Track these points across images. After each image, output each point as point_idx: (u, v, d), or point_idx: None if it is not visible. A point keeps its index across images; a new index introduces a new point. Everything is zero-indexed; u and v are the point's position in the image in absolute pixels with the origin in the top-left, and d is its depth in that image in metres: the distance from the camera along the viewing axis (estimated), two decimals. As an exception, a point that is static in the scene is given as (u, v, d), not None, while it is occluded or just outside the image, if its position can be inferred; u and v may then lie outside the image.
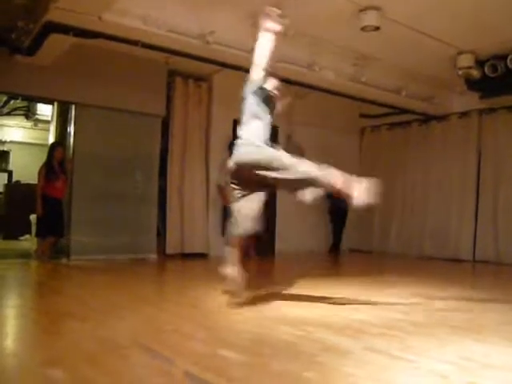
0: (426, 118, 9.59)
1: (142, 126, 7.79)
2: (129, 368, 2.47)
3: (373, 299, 4.59)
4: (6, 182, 11.96)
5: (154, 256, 7.80)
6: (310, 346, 2.90)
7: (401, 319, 3.74)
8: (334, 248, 9.83)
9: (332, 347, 2.89)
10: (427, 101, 8.85)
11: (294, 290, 4.98)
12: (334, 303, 4.36)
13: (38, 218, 7.07)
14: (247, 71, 6.94)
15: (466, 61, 7.35)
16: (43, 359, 2.58)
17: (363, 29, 6.05)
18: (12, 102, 10.84)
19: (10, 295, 4.77)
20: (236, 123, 8.59)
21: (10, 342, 3.10)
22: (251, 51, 6.35)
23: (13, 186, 11.48)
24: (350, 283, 5.73)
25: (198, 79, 8.35)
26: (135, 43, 6.01)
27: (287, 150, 9.32)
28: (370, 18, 5.92)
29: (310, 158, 9.56)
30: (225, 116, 8.60)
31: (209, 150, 8.49)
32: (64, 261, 7.03)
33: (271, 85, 4.32)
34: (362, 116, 10.53)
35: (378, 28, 6.01)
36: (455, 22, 6.27)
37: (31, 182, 8.55)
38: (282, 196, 9.31)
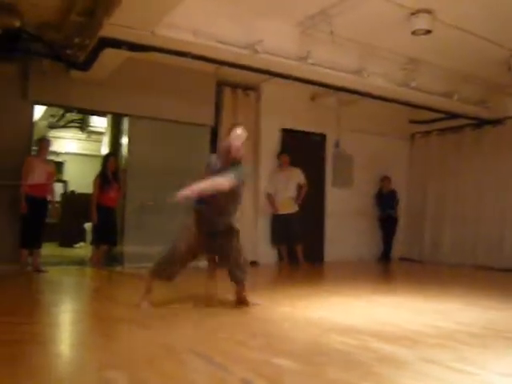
0: (480, 123, 9.31)
1: (192, 135, 7.93)
2: (185, 373, 2.51)
3: (428, 309, 4.50)
4: (61, 191, 12.37)
5: (204, 264, 7.87)
6: (365, 355, 2.87)
7: (457, 330, 3.65)
8: (384, 256, 9.67)
9: (388, 357, 2.85)
10: (480, 104, 8.61)
11: (345, 298, 4.94)
12: (386, 312, 4.30)
13: (93, 227, 7.29)
14: (296, 79, 7.04)
15: (519, 62, 7.12)
16: (102, 362, 2.66)
17: (414, 33, 5.96)
18: (67, 115, 11.25)
19: (67, 301, 4.94)
20: (284, 132, 8.71)
21: (68, 347, 3.21)
22: (299, 59, 6.42)
23: (68, 196, 11.88)
24: (402, 292, 5.63)
25: (246, 88, 8.43)
26: (185, 55, 6.13)
27: (335, 157, 9.33)
28: (422, 22, 5.83)
29: (359, 165, 9.54)
30: (273, 124, 8.66)
31: (258, 159, 8.54)
32: (118, 268, 7.21)
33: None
34: (412, 122, 10.33)
35: (429, 31, 5.91)
36: (508, 23, 6.10)
37: (86, 191, 8.82)
38: (331, 202, 9.28)
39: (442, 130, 9.99)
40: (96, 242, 7.22)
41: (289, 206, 8.19)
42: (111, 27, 5.25)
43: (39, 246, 6.56)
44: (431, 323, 3.86)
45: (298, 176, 8.30)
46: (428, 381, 2.46)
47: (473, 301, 5.05)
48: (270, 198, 8.38)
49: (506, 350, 3.11)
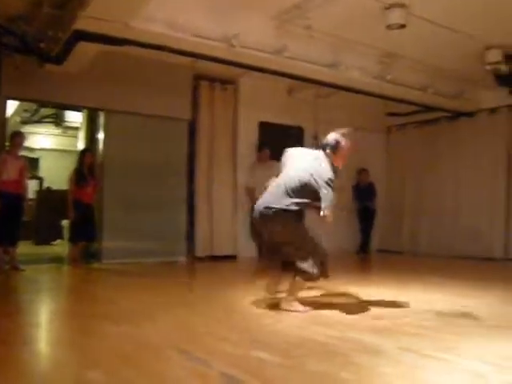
0: (455, 115, 9.43)
1: (170, 130, 7.88)
2: (166, 369, 2.50)
3: (407, 299, 4.55)
4: (37, 188, 12.17)
5: (183, 259, 7.87)
6: (344, 346, 2.89)
7: (435, 319, 3.71)
8: (363, 248, 9.75)
9: (367, 347, 2.88)
10: (455, 97, 8.71)
11: (324, 290, 4.97)
12: (365, 303, 4.34)
13: (70, 223, 7.20)
14: (272, 73, 7.03)
15: (494, 56, 7.21)
16: (82, 362, 2.64)
17: (389, 27, 5.98)
18: (42, 110, 11.07)
19: (45, 299, 4.87)
20: (262, 125, 8.70)
21: (47, 346, 3.17)
22: (275, 53, 6.41)
23: (44, 193, 11.68)
24: (380, 284, 5.69)
25: (223, 82, 8.40)
26: (161, 48, 6.06)
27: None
28: (396, 16, 5.85)
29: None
30: (251, 118, 8.65)
31: (236, 153, 8.53)
32: (96, 265, 7.14)
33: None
34: (389, 114, 10.42)
35: (403, 26, 5.93)
36: (482, 17, 6.17)
37: (61, 188, 8.70)
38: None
39: (419, 123, 10.11)
40: (73, 238, 7.13)
41: (268, 200, 8.19)
42: (85, 20, 5.16)
43: (15, 244, 6.45)
44: (409, 313, 3.91)
45: (277, 170, 8.29)
46: (405, 368, 2.49)
47: (450, 290, 5.13)
48: (250, 192, 8.37)
49: (483, 338, 3.16)
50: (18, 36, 6.06)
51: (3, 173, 6.24)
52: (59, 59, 6.22)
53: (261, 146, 8.49)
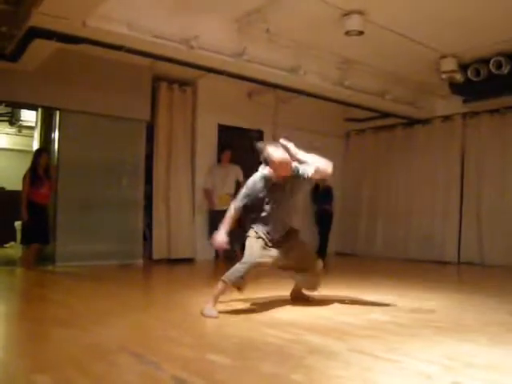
0: (411, 122, 9.68)
1: (127, 131, 7.78)
2: (116, 373, 2.46)
3: (358, 301, 4.62)
4: (-11, 188, 11.81)
5: (140, 262, 7.77)
6: (297, 348, 2.91)
7: (386, 321, 3.77)
8: (321, 251, 9.83)
9: (319, 349, 2.91)
10: (411, 104, 8.93)
11: (279, 293, 4.99)
12: (319, 306, 4.38)
13: (23, 225, 7.01)
14: (231, 76, 7.04)
15: (449, 65, 7.43)
16: (30, 366, 2.57)
17: (347, 33, 6.09)
18: (-5, 108, 10.73)
19: (-5, 303, 4.72)
20: (221, 128, 8.70)
21: (-6, 350, 3.07)
22: (235, 56, 6.42)
23: (-3, 193, 11.35)
24: (335, 286, 5.74)
25: (182, 84, 8.36)
26: (119, 48, 5.99)
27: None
28: (354, 23, 5.97)
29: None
30: (210, 120, 8.64)
31: (194, 155, 8.49)
32: (50, 267, 6.98)
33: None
34: (348, 120, 10.59)
35: (361, 32, 6.05)
36: (438, 26, 6.35)
37: (16, 188, 8.46)
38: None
39: (376, 129, 10.32)
40: (26, 240, 6.94)
41: (226, 202, 8.13)
42: (40, 17, 5.04)
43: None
44: (362, 315, 3.97)
45: (236, 172, 8.30)
46: (356, 370, 2.53)
47: (402, 292, 5.24)
48: (208, 194, 8.35)
49: (433, 338, 3.24)
50: (-31, 32, 5.89)
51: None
52: (14, 57, 6.08)
53: (223, 146, 8.49)
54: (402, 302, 4.67)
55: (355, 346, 2.98)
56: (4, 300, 4.92)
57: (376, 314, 4.05)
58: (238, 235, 8.04)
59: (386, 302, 4.63)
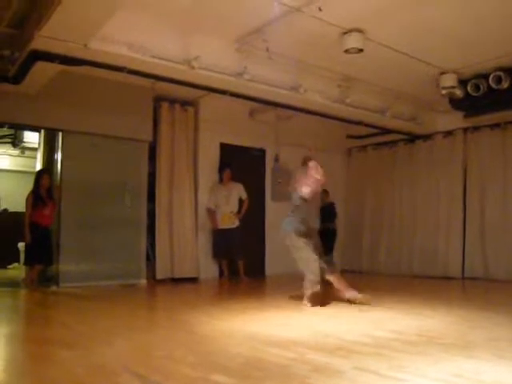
0: (412, 138, 9.70)
1: (130, 151, 7.81)
2: (118, 395, 2.44)
3: (364, 319, 4.58)
4: (-7, 210, 11.86)
5: (143, 281, 7.75)
6: (301, 367, 2.88)
7: (392, 338, 3.73)
8: (325, 269, 9.79)
9: (323, 368, 2.87)
10: (412, 120, 8.97)
11: (283, 312, 4.96)
12: (323, 323, 4.35)
13: (26, 246, 7.02)
14: (233, 95, 7.10)
15: (448, 80, 7.47)
16: (32, 389, 2.55)
17: (347, 51, 6.14)
18: (-2, 130, 10.81)
19: (-2, 324, 4.70)
20: (223, 147, 8.73)
21: (-3, 373, 3.05)
22: (236, 75, 6.48)
23: (0, 214, 11.38)
24: (339, 304, 5.71)
25: (184, 104, 8.41)
26: (121, 69, 6.05)
27: (274, 172, 9.45)
28: (354, 41, 6.02)
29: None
30: (212, 139, 8.68)
31: (197, 174, 8.51)
32: (53, 288, 6.95)
33: None
34: (349, 137, 10.63)
35: (361, 50, 6.10)
36: (437, 43, 6.40)
37: (19, 210, 8.49)
38: (271, 216, 9.36)
39: (378, 145, 10.34)
40: (29, 262, 6.96)
41: (230, 221, 8.19)
42: (43, 40, 5.10)
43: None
44: (367, 333, 3.93)
45: (239, 191, 8.32)
46: (362, 390, 2.50)
47: (407, 309, 5.19)
48: (211, 213, 8.36)
49: (439, 356, 3.20)
50: (-27, 55, 5.96)
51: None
52: (16, 79, 6.13)
53: (222, 166, 8.51)
54: (407, 318, 4.63)
55: (360, 364, 2.95)
56: (7, 321, 4.90)
57: (380, 331, 4.01)
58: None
59: (391, 318, 4.59)
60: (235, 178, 8.39)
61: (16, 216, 9.21)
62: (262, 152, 9.43)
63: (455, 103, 8.21)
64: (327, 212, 9.80)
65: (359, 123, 8.90)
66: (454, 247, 8.93)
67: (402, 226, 9.77)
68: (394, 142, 10.05)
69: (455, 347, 3.45)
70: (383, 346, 3.44)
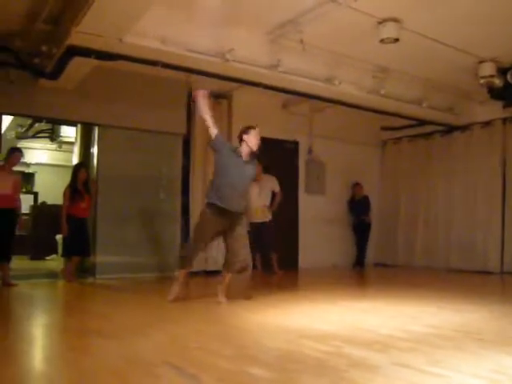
0: (449, 129, 9.49)
1: (164, 144, 7.88)
2: (156, 386, 2.47)
3: (400, 313, 4.53)
4: (32, 203, 12.14)
5: (178, 273, 7.80)
6: (337, 361, 2.86)
7: (429, 333, 3.68)
8: (358, 262, 9.73)
9: (360, 362, 2.85)
10: (449, 111, 8.77)
11: (319, 305, 4.94)
12: (358, 317, 4.31)
13: (64, 238, 7.17)
14: (266, 87, 7.07)
15: (487, 69, 7.28)
16: (74, 378, 2.60)
17: (382, 41, 6.04)
18: (36, 125, 11.06)
19: (37, 314, 4.82)
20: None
21: (38, 362, 3.13)
22: (269, 67, 6.45)
23: (39, 207, 11.66)
24: (375, 297, 5.66)
25: (217, 96, 8.42)
26: (155, 64, 6.09)
27: (308, 164, 9.36)
28: (389, 30, 5.91)
29: (331, 172, 9.60)
30: (245, 132, 8.64)
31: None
32: (90, 280, 7.10)
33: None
34: (384, 129, 10.47)
35: (397, 40, 5.99)
36: (475, 31, 6.23)
37: (56, 202, 8.67)
38: (304, 209, 9.32)
39: (413, 137, 10.15)
40: (67, 253, 7.10)
41: (262, 215, 8.16)
42: (79, 35, 5.18)
43: (9, 260, 6.40)
44: (403, 327, 3.88)
45: (272, 184, 8.28)
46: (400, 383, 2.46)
47: (444, 303, 5.10)
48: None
49: (478, 351, 3.14)
50: (13, 52, 6.08)
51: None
52: (54, 74, 6.23)
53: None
54: (443, 313, 4.56)
55: (398, 358, 2.91)
56: (46, 312, 5.03)
57: (417, 326, 3.95)
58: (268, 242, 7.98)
59: (427, 313, 4.52)
60: (269, 171, 8.36)
61: (54, 209, 9.41)
62: (296, 144, 9.38)
63: (494, 93, 7.99)
64: (361, 205, 9.71)
65: (394, 114, 8.76)
66: (492, 241, 8.71)
67: (438, 219, 9.58)
68: (429, 134, 9.85)
69: (494, 343, 3.38)
70: (420, 341, 3.39)
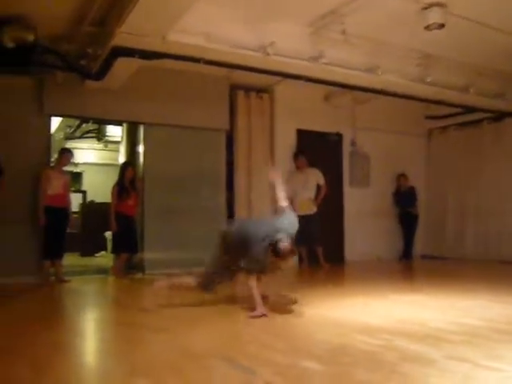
0: (498, 116, 9.16)
1: (208, 140, 7.94)
2: (212, 378, 2.50)
3: (451, 306, 4.43)
4: (81, 201, 12.48)
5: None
6: (389, 355, 2.82)
7: (482, 326, 3.58)
8: (405, 254, 9.56)
9: (413, 356, 2.80)
10: (498, 97, 8.46)
11: (367, 298, 4.88)
12: (407, 311, 4.24)
13: (113, 235, 7.34)
14: (308, 80, 7.02)
15: (537, 52, 7.00)
16: (129, 370, 2.66)
17: (427, 27, 5.86)
18: (84, 125, 11.35)
19: (90, 309, 4.96)
20: (300, 133, 8.68)
21: (93, 355, 3.22)
22: (311, 59, 6.39)
23: (88, 206, 11.98)
24: (424, 290, 5.55)
25: (259, 91, 8.43)
26: (198, 60, 6.13)
27: (351, 157, 9.19)
28: (434, 16, 5.74)
29: (375, 163, 9.45)
30: (288, 126, 8.65)
31: (274, 161, 8.51)
32: (139, 276, 7.24)
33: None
34: (429, 118, 10.23)
35: (442, 25, 5.81)
36: (524, 13, 6.00)
37: (104, 200, 8.88)
38: (349, 202, 9.23)
39: (460, 125, 9.86)
40: (116, 250, 7.26)
41: (308, 208, 8.12)
42: (123, 36, 5.27)
43: (61, 257, 6.61)
44: (455, 320, 3.80)
45: (316, 177, 8.24)
46: (456, 379, 2.41)
47: (496, 297, 4.95)
48: (289, 200, 8.33)
49: (536, 345, 3.04)
50: (60, 55, 6.25)
51: (48, 188, 6.43)
52: (99, 75, 6.37)
53: (296, 154, 8.46)
54: (495, 306, 4.43)
55: (452, 352, 2.85)
56: (99, 307, 5.17)
57: (469, 318, 3.86)
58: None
59: (479, 306, 4.41)
60: (312, 164, 8.32)
61: (102, 207, 9.62)
62: (339, 136, 9.28)
63: (546, 76, 7.69)
64: (407, 196, 9.53)
65: (440, 102, 8.54)
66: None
67: (488, 209, 9.28)
68: (478, 121, 9.52)
69: (554, 336, 3.27)
70: (472, 334, 3.31)
